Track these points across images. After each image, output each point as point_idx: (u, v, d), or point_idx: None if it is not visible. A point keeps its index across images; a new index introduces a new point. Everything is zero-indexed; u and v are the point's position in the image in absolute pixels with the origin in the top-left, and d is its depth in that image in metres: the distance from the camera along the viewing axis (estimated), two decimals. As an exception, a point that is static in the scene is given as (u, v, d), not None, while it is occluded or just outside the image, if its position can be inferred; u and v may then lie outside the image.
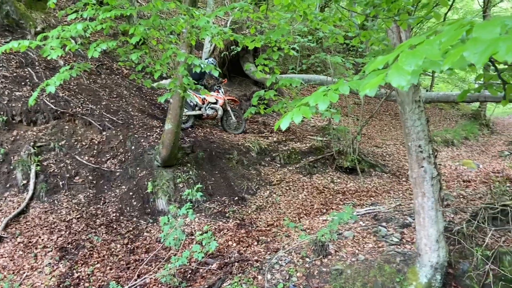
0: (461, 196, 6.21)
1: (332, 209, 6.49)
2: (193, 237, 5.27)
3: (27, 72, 7.02)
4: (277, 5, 3.51)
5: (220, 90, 8.64)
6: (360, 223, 5.42)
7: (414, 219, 4.39)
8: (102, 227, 5.58)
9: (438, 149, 10.56)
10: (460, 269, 4.37)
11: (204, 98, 8.28)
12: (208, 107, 8.31)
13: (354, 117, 11.05)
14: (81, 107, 7.01)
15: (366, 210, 5.93)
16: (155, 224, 5.77)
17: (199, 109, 8.29)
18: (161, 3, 3.61)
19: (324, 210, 6.46)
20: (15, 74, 6.86)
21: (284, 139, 9.00)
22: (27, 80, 6.88)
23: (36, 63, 7.29)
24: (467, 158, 9.67)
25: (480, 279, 4.25)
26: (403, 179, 8.15)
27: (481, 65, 0.78)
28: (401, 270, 4.13)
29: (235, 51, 8.73)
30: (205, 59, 8.28)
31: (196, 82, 8.15)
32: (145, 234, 5.59)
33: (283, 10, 3.58)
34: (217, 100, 8.48)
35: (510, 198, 5.29)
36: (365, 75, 1.53)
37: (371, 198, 7.00)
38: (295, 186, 7.37)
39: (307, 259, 4.44)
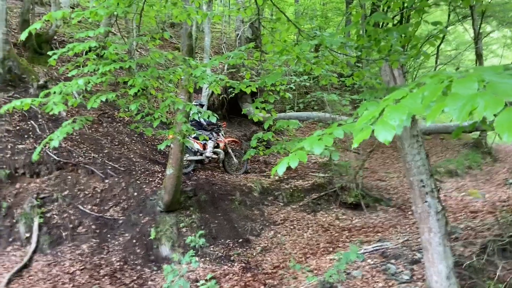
0: (469, 228, 6.10)
1: (339, 247, 6.36)
2: (198, 283, 5.15)
3: (30, 125, 7.12)
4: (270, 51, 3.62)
5: (220, 133, 8.74)
6: (369, 261, 5.30)
7: (423, 255, 4.30)
8: (106, 277, 5.47)
9: (442, 180, 10.49)
10: (474, 306, 4.23)
11: (205, 144, 8.36)
12: (210, 152, 8.36)
13: (355, 152, 11.06)
14: (83, 156, 7.06)
15: (373, 247, 5.81)
16: (159, 271, 5.66)
17: (201, 155, 8.35)
18: (158, 55, 3.73)
19: (331, 249, 6.34)
20: (18, 127, 6.96)
21: (286, 177, 8.98)
22: (30, 133, 6.97)
23: (39, 115, 7.40)
24: (472, 187, 9.58)
25: (495, 315, 4.11)
26: (409, 212, 8.04)
27: (462, 121, 0.80)
28: (414, 309, 4.00)
29: (233, 94, 8.90)
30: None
31: (199, 128, 8.28)
32: (149, 283, 5.48)
33: (276, 56, 3.69)
34: (218, 143, 8.56)
35: (518, 228, 5.19)
36: (357, 121, 1.56)
37: (378, 234, 6.88)
38: (300, 225, 7.27)
39: (316, 302, 4.32)
